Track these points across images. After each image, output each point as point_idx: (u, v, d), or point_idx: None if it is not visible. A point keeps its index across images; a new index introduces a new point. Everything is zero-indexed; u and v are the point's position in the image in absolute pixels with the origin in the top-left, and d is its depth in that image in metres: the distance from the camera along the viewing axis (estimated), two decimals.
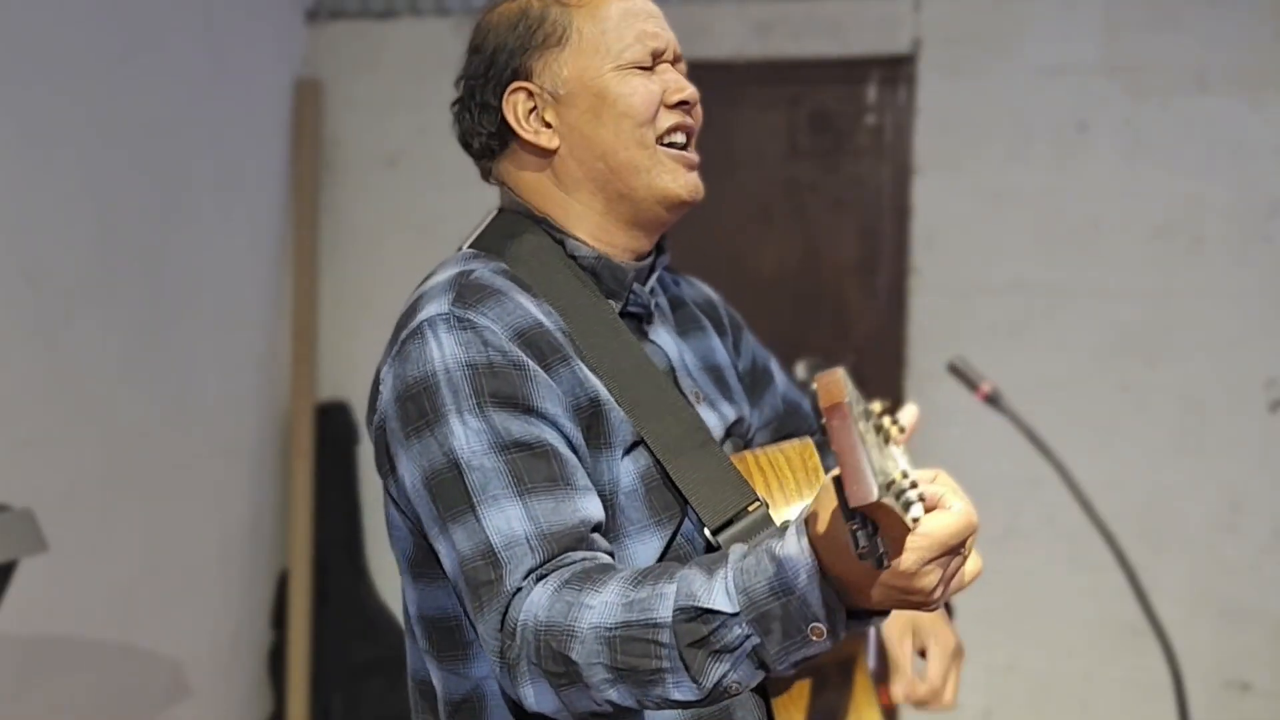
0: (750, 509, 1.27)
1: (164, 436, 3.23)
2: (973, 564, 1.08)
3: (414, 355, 1.24)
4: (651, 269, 1.43)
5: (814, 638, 1.06)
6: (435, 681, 1.34)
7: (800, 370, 0.98)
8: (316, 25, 3.77)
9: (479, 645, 1.27)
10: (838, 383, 0.90)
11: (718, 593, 1.08)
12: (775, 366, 1.66)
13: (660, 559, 1.28)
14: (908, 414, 1.06)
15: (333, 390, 3.78)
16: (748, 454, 1.37)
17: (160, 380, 3.22)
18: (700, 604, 1.08)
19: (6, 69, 2.75)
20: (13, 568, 2.29)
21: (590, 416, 1.26)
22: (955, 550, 1.02)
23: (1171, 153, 3.14)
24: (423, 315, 1.26)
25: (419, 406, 1.23)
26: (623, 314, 1.37)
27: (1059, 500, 1.62)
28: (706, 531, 1.27)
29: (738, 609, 1.07)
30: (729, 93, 3.45)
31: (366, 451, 3.80)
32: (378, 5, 3.72)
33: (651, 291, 1.43)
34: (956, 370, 1.60)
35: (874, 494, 0.88)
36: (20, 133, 2.79)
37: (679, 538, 1.29)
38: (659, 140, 1.36)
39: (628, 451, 1.28)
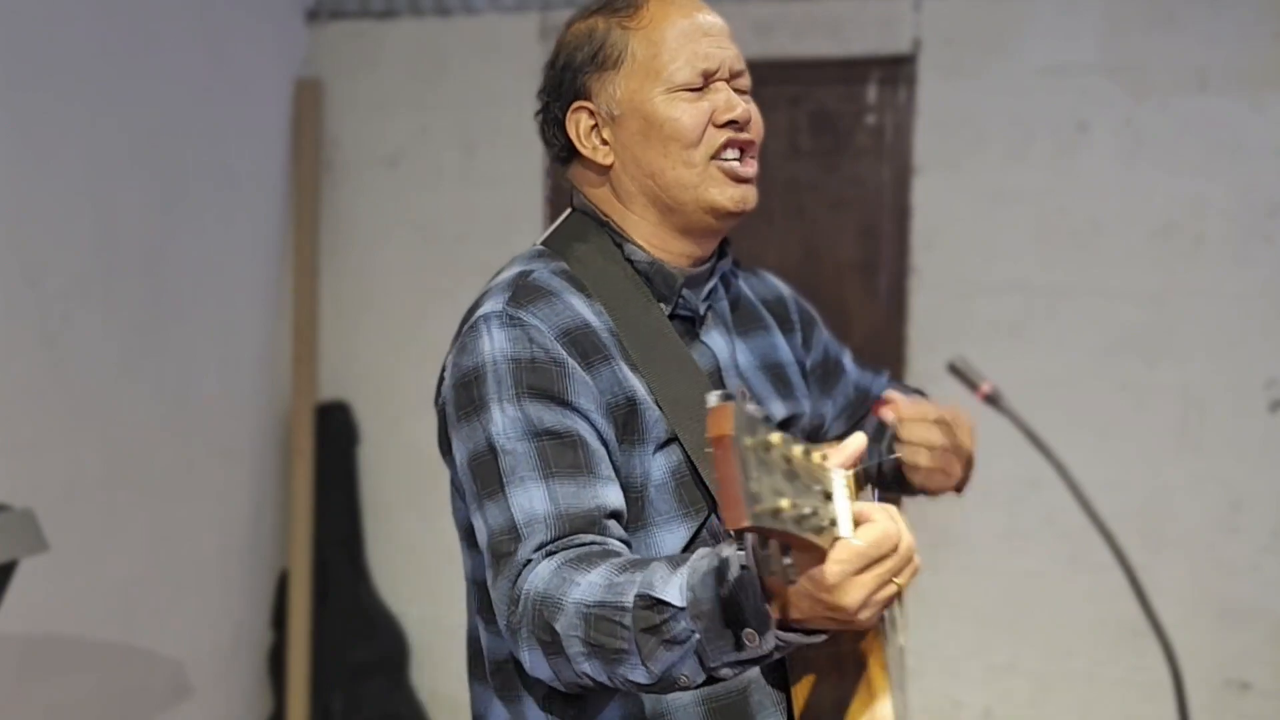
0: None
1: (164, 436, 3.23)
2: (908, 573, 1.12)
3: (470, 347, 1.36)
4: (712, 272, 1.52)
5: (747, 643, 1.12)
6: (482, 640, 1.45)
7: (711, 399, 1.00)
8: (316, 25, 3.77)
9: None
10: (724, 416, 0.94)
11: (672, 586, 1.15)
12: (848, 357, 1.75)
13: (686, 548, 1.36)
14: (848, 443, 1.09)
15: (333, 390, 3.78)
16: None
17: (160, 380, 3.22)
18: (654, 594, 1.15)
19: (6, 69, 2.75)
20: (13, 568, 2.29)
21: (627, 414, 1.36)
22: (877, 563, 1.06)
23: (1171, 153, 3.14)
24: (482, 310, 1.38)
25: (469, 394, 1.35)
26: (673, 316, 1.46)
27: (1059, 500, 1.62)
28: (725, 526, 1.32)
29: (684, 604, 1.14)
30: None
31: (366, 451, 3.81)
32: (378, 5, 3.72)
33: (710, 294, 1.52)
34: (956, 370, 1.59)
35: (743, 519, 0.92)
36: (20, 133, 2.79)
37: (704, 531, 1.38)
38: (711, 157, 1.46)
39: (661, 447, 1.37)
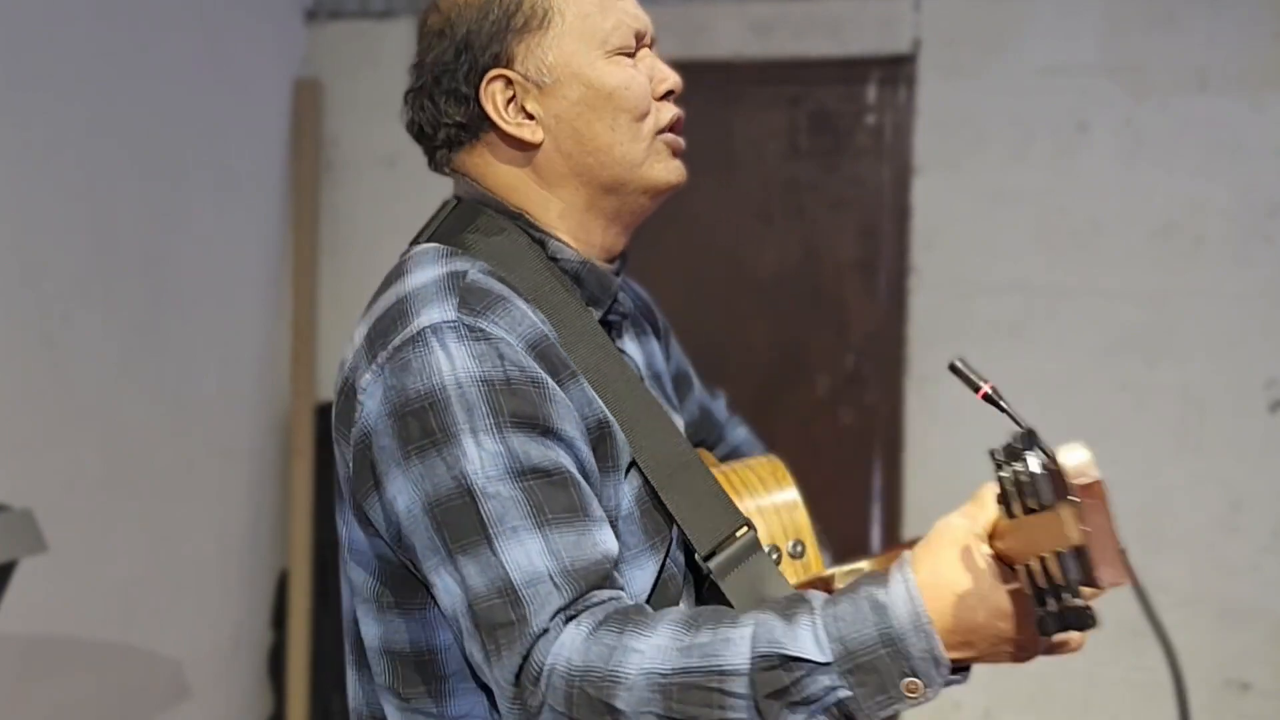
0: (738, 534, 1.21)
1: (164, 436, 3.23)
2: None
3: (415, 366, 1.12)
4: (620, 270, 1.34)
5: (908, 693, 1.02)
6: (390, 718, 1.24)
7: (1076, 459, 1.01)
8: (316, 25, 3.77)
9: (459, 681, 1.19)
10: (1088, 459, 0.94)
11: (805, 640, 1.01)
12: (693, 375, 1.60)
13: (653, 586, 1.20)
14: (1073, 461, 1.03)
15: (333, 390, 3.78)
16: (723, 469, 1.32)
17: (160, 380, 3.22)
18: (786, 651, 1.00)
19: (6, 69, 2.75)
20: (13, 568, 2.29)
21: (599, 438, 1.18)
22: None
23: (1171, 153, 3.14)
24: (422, 320, 1.14)
25: (423, 424, 1.11)
26: (602, 321, 1.28)
27: None
28: (697, 557, 1.20)
29: (830, 658, 1.00)
30: (729, 93, 3.45)
31: None
32: (378, 5, 3.72)
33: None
34: (956, 370, 1.59)
35: (1124, 576, 0.90)
36: (19, 133, 2.79)
37: (668, 561, 1.22)
38: (658, 131, 1.28)
39: (628, 471, 1.20)
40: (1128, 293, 3.19)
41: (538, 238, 1.27)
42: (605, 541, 1.12)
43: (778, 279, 3.46)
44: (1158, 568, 3.07)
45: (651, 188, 1.28)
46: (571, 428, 1.14)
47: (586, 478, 1.15)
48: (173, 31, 3.23)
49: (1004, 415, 1.59)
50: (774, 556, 1.23)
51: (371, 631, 1.25)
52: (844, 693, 1.01)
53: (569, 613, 1.08)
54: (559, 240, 1.27)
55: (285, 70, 3.70)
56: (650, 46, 1.31)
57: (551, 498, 1.10)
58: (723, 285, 3.45)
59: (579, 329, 1.21)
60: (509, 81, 1.26)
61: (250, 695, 3.67)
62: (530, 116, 1.26)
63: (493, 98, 1.27)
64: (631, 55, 1.28)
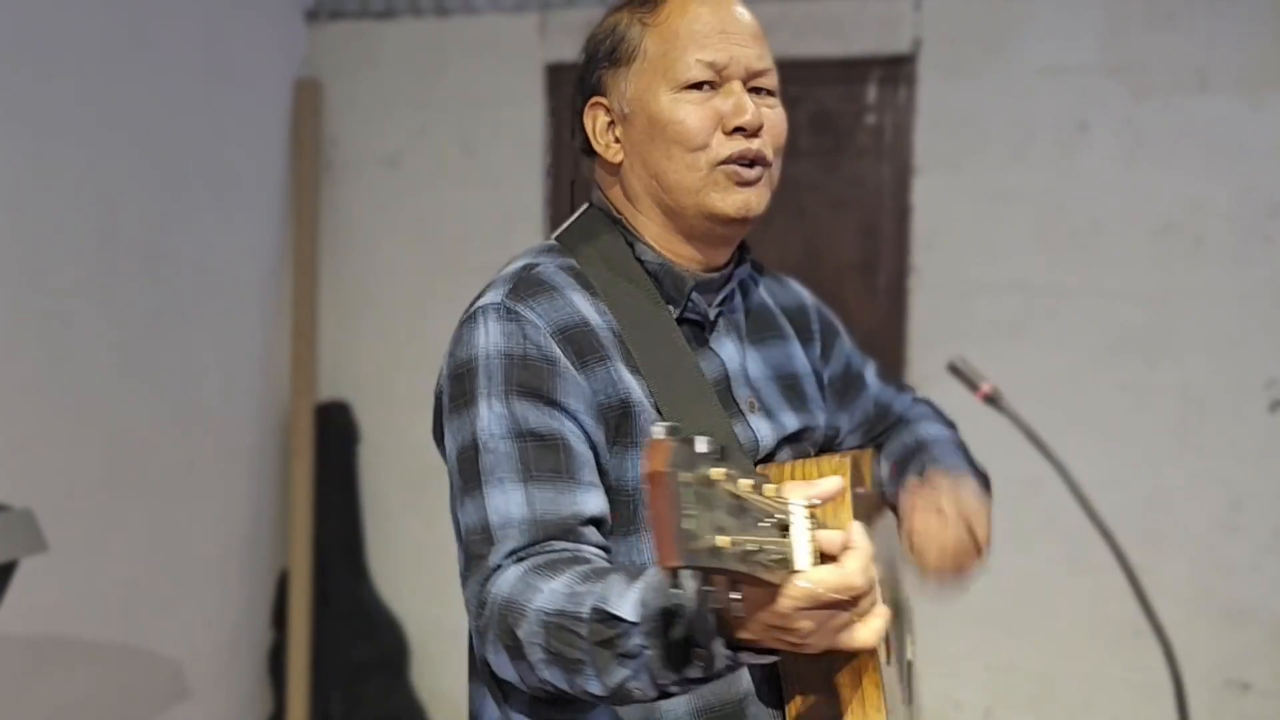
0: None
1: (164, 436, 3.23)
2: (872, 625, 1.10)
3: (465, 338, 1.34)
4: (729, 278, 1.48)
5: (697, 662, 1.10)
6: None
7: (655, 431, 1.00)
8: (316, 25, 3.77)
9: None
10: (659, 452, 0.93)
11: (627, 601, 1.13)
12: (871, 371, 1.72)
13: None
14: (822, 481, 1.10)
15: (333, 390, 3.78)
16: (783, 465, 1.42)
17: (160, 380, 3.22)
18: (609, 608, 1.14)
19: (7, 69, 2.75)
20: (13, 568, 2.29)
21: (620, 415, 1.33)
22: (836, 605, 1.05)
23: (1171, 153, 3.14)
24: (481, 302, 1.36)
25: (461, 386, 1.33)
26: (682, 320, 1.43)
27: (1059, 500, 1.62)
28: None
29: (637, 620, 1.12)
30: None
31: (366, 451, 3.81)
32: (378, 5, 3.72)
33: (724, 301, 1.48)
34: (956, 370, 1.59)
35: (673, 558, 0.91)
36: (20, 133, 2.79)
37: None
38: (717, 164, 1.39)
39: None
40: (1128, 293, 3.19)
41: (629, 241, 1.45)
42: (583, 503, 1.28)
43: None
44: (1158, 568, 3.07)
45: (710, 215, 1.41)
46: (577, 402, 1.31)
47: (592, 448, 1.31)
48: (173, 32, 3.24)
49: (1004, 415, 1.60)
50: None
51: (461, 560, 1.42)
52: (649, 653, 1.12)
53: (520, 555, 1.26)
54: (645, 244, 1.44)
55: (286, 70, 3.70)
56: (749, 81, 1.41)
57: (540, 458, 1.28)
58: None
59: (648, 321, 1.39)
60: (607, 109, 1.45)
61: (250, 695, 3.67)
62: (618, 141, 1.45)
63: (593, 121, 1.46)
64: (705, 88, 1.40)
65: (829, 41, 3.39)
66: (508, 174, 3.62)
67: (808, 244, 3.46)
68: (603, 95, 1.44)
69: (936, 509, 1.44)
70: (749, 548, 0.96)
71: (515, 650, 1.22)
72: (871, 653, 1.32)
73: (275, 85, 3.67)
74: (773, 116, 1.43)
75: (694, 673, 1.12)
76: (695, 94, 1.39)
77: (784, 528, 1.01)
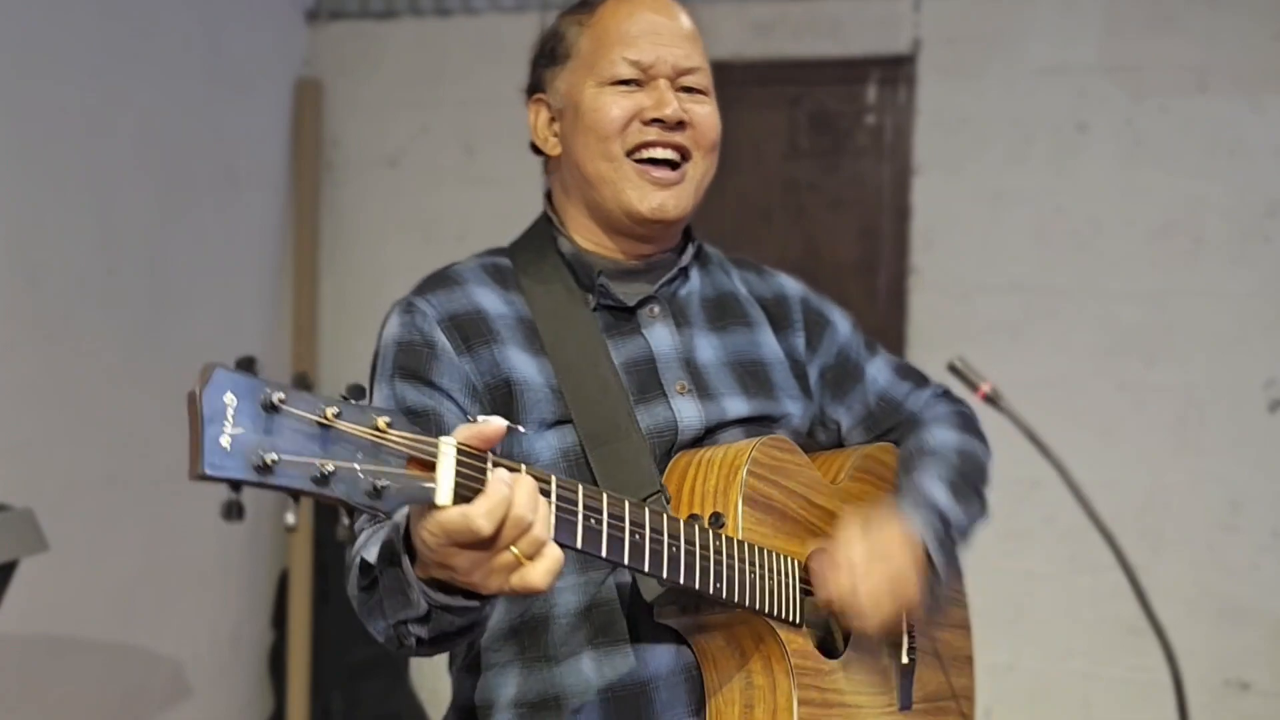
0: (649, 499, 1.35)
1: (164, 436, 3.22)
2: (538, 569, 1.09)
3: (381, 329, 1.47)
4: (669, 265, 1.53)
5: (409, 595, 1.16)
6: None
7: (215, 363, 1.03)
8: (316, 25, 3.77)
9: None
10: (202, 374, 0.96)
11: (374, 547, 1.22)
12: (877, 365, 1.69)
13: None
14: (483, 422, 1.10)
15: (333, 389, 3.78)
16: (693, 451, 1.43)
17: (160, 380, 3.22)
18: (364, 555, 1.24)
19: (7, 69, 2.75)
20: (13, 568, 2.29)
21: (503, 395, 1.41)
22: (472, 544, 1.06)
23: (1171, 153, 3.14)
24: (396, 299, 1.48)
25: (371, 370, 1.46)
26: (602, 306, 1.49)
27: (1059, 500, 1.62)
28: None
29: (374, 562, 1.21)
30: (729, 93, 3.43)
31: None
32: (378, 5, 3.72)
33: (666, 286, 1.52)
34: (956, 370, 1.59)
35: (196, 469, 0.95)
36: (21, 133, 2.80)
37: None
38: (629, 154, 1.46)
39: (552, 427, 1.41)
40: (1127, 293, 3.19)
41: (554, 234, 1.53)
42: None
43: None
44: (1158, 568, 3.07)
45: (626, 211, 1.47)
46: (452, 382, 1.40)
47: (467, 421, 1.33)
48: (174, 32, 3.24)
49: (1004, 415, 1.60)
50: (692, 521, 1.32)
51: None
52: (385, 591, 1.20)
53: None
54: (566, 236, 1.53)
55: (286, 71, 3.70)
56: (676, 79, 1.48)
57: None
58: None
59: (562, 308, 1.46)
60: (548, 106, 1.53)
61: (250, 695, 3.67)
62: (556, 136, 1.52)
63: (535, 117, 1.55)
64: (631, 85, 1.46)
65: (829, 41, 3.39)
66: (508, 174, 3.61)
67: (808, 244, 3.46)
68: (543, 92, 1.53)
69: (832, 561, 1.39)
70: (341, 474, 1.00)
71: (354, 600, 1.29)
72: (778, 641, 1.34)
73: (275, 85, 3.67)
74: (701, 114, 1.49)
75: (411, 611, 1.17)
76: (620, 88, 1.46)
77: (428, 466, 1.04)
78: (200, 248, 3.35)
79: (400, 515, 1.14)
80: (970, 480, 1.61)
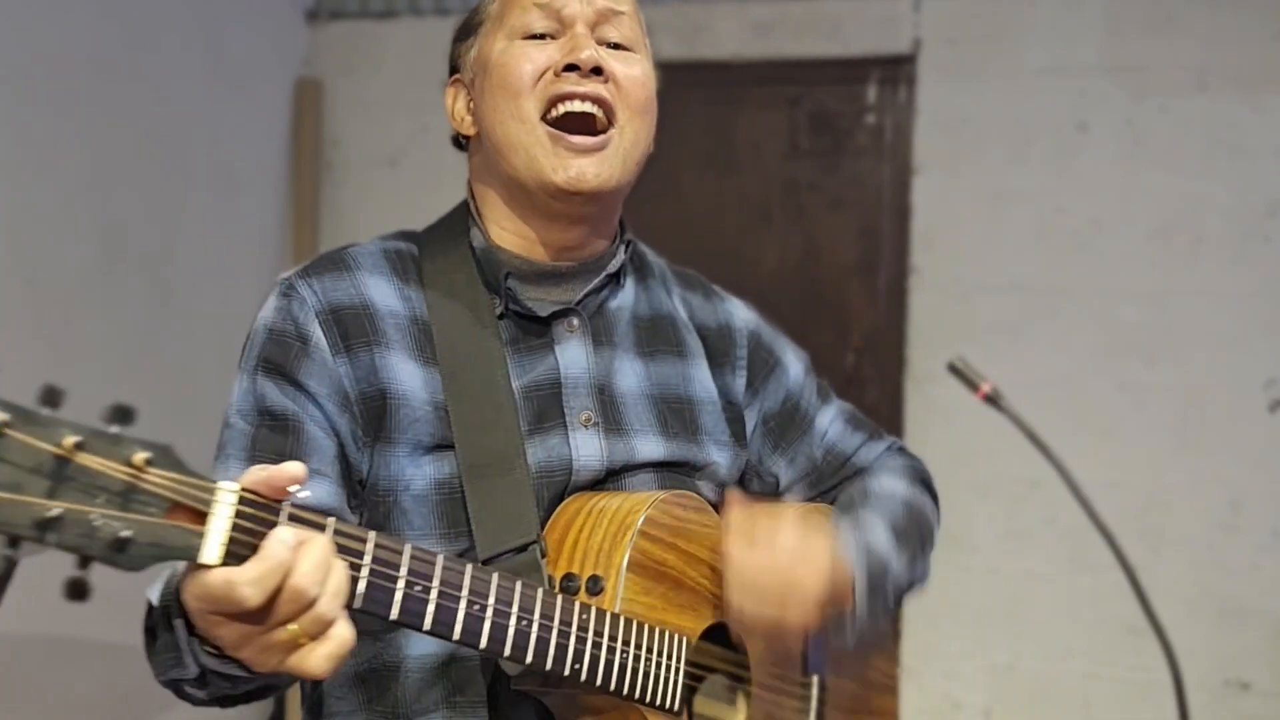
0: (524, 548, 1.19)
1: (164, 437, 3.22)
2: (320, 653, 0.93)
3: (259, 308, 1.29)
4: (595, 271, 1.33)
5: (185, 661, 1.03)
6: None
7: None
8: (316, 25, 3.77)
9: None
10: None
11: (159, 585, 1.07)
12: (828, 415, 1.49)
13: None
14: (277, 468, 0.93)
15: None
16: (588, 496, 1.25)
17: (161, 380, 3.22)
18: (149, 594, 1.09)
19: (7, 70, 2.75)
20: (13, 568, 2.29)
21: (377, 408, 1.22)
22: (239, 615, 0.91)
23: (1171, 153, 3.14)
24: (280, 274, 1.30)
25: (241, 353, 1.28)
26: (509, 313, 1.29)
27: (1059, 500, 1.62)
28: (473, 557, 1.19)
29: (157, 603, 1.07)
30: (729, 93, 3.45)
31: None
32: (378, 5, 3.72)
33: (590, 297, 1.32)
34: (956, 370, 1.59)
35: None
36: (21, 133, 2.79)
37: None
38: (544, 117, 1.26)
39: (431, 451, 1.22)
40: (1127, 293, 3.19)
41: (469, 224, 1.33)
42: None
43: (778, 279, 3.46)
44: (1158, 568, 3.07)
45: (543, 184, 1.26)
46: (320, 386, 1.22)
47: (333, 434, 1.22)
48: (174, 32, 3.24)
49: (1004, 415, 1.60)
50: (566, 583, 1.17)
51: None
52: (158, 642, 1.08)
53: None
54: (481, 226, 1.32)
55: (286, 70, 3.70)
56: (596, 27, 1.29)
57: (267, 440, 1.21)
58: (723, 285, 3.44)
59: (462, 313, 1.26)
60: (462, 84, 1.35)
61: None
62: (471, 114, 1.34)
63: (452, 101, 1.37)
64: (546, 39, 1.28)
65: (829, 41, 3.39)
66: None
67: (808, 244, 3.46)
68: (458, 72, 1.35)
69: (749, 538, 1.23)
70: (70, 518, 0.85)
71: None
72: (645, 709, 1.18)
73: (275, 85, 3.67)
74: (627, 71, 1.28)
75: (182, 672, 1.04)
76: (533, 42, 1.27)
77: (198, 515, 0.89)
78: (200, 247, 3.35)
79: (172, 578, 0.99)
80: (913, 535, 1.41)
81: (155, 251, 3.19)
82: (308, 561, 0.91)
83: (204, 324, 3.37)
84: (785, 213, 3.48)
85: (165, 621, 1.03)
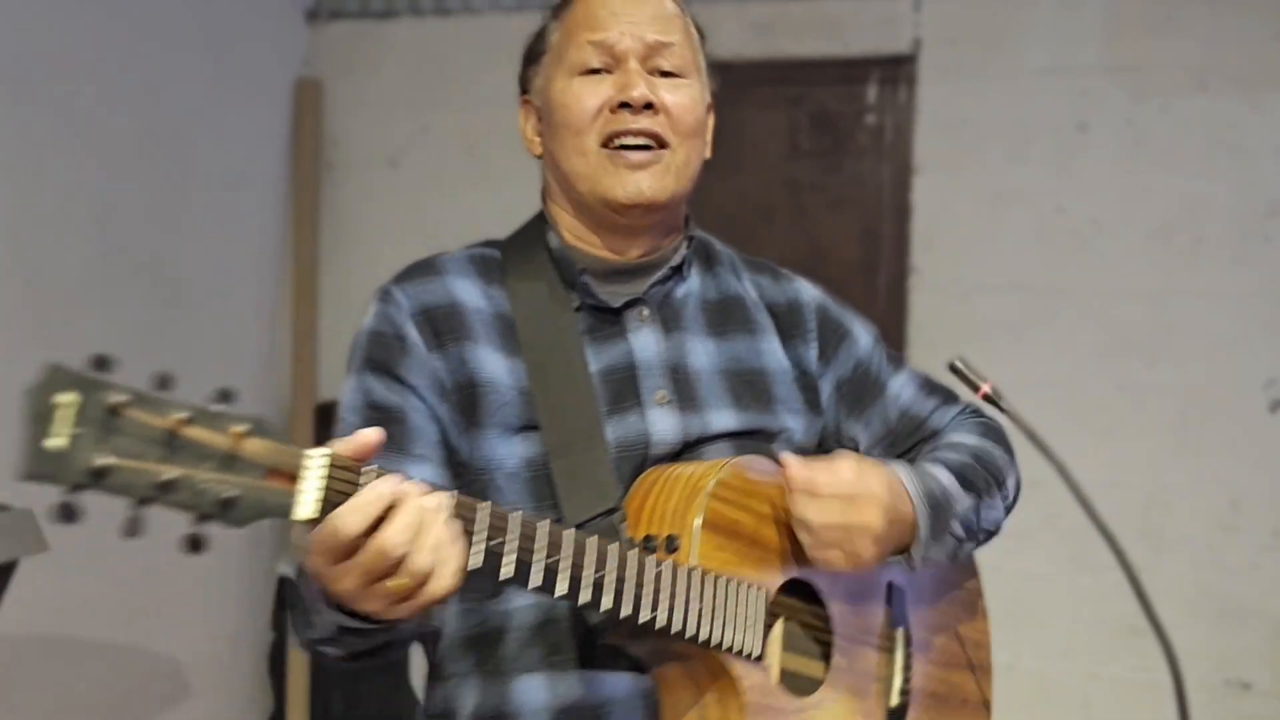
0: (606, 515, 1.30)
1: None
2: (441, 581, 1.05)
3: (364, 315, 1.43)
4: (661, 264, 1.46)
5: (315, 621, 1.16)
6: None
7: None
8: (316, 25, 3.77)
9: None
10: (38, 374, 0.93)
11: (290, 565, 1.23)
12: (900, 381, 1.61)
13: None
14: (359, 434, 1.05)
15: (333, 390, 3.78)
16: (665, 467, 1.35)
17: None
18: (285, 573, 1.23)
19: (7, 70, 2.75)
20: (13, 568, 2.29)
21: (469, 396, 1.35)
22: (350, 557, 1.02)
23: (1171, 153, 3.14)
24: (380, 285, 1.44)
25: (348, 357, 1.42)
26: (585, 307, 1.42)
27: (1059, 500, 1.62)
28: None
29: (295, 578, 1.20)
30: (729, 93, 3.43)
31: None
32: (378, 5, 3.72)
33: (657, 287, 1.45)
34: (956, 370, 1.59)
35: (18, 472, 0.92)
36: (21, 133, 2.80)
37: None
38: (603, 145, 1.39)
39: (518, 432, 1.35)
40: (1127, 293, 3.19)
41: (545, 230, 1.47)
42: (406, 472, 1.18)
43: None
44: (1158, 568, 3.07)
45: (606, 202, 1.40)
46: (419, 379, 1.35)
47: (437, 423, 1.35)
48: (174, 32, 3.24)
49: (1004, 415, 1.60)
50: (646, 544, 1.25)
51: None
52: (299, 608, 1.20)
53: None
54: (557, 233, 1.46)
55: (286, 70, 3.70)
56: (647, 60, 1.41)
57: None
58: None
59: (543, 307, 1.40)
60: (533, 106, 1.49)
61: (250, 695, 3.67)
62: (540, 135, 1.48)
63: (523, 119, 1.51)
64: (601, 73, 1.40)
65: (829, 41, 3.39)
66: (508, 174, 3.61)
67: (808, 244, 3.46)
68: (528, 93, 1.49)
69: (811, 489, 1.31)
70: (183, 482, 0.98)
71: None
72: (731, 677, 1.26)
73: (275, 85, 3.67)
74: (675, 99, 1.40)
75: (314, 632, 1.17)
76: (590, 78, 1.40)
77: (292, 477, 1.00)
78: (200, 247, 3.35)
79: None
80: (979, 476, 1.50)
81: (155, 251, 3.19)
82: (402, 511, 1.03)
83: (204, 324, 3.37)
84: (786, 213, 3.48)
85: (299, 590, 1.16)
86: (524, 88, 1.50)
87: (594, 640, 1.30)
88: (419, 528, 1.03)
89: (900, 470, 1.40)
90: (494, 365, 1.36)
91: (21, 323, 2.81)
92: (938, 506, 1.41)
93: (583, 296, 1.41)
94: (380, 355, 1.37)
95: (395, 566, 1.02)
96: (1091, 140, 3.20)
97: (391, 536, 1.02)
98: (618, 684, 1.32)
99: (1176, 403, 3.15)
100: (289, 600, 1.23)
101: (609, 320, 1.42)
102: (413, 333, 1.36)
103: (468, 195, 3.67)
